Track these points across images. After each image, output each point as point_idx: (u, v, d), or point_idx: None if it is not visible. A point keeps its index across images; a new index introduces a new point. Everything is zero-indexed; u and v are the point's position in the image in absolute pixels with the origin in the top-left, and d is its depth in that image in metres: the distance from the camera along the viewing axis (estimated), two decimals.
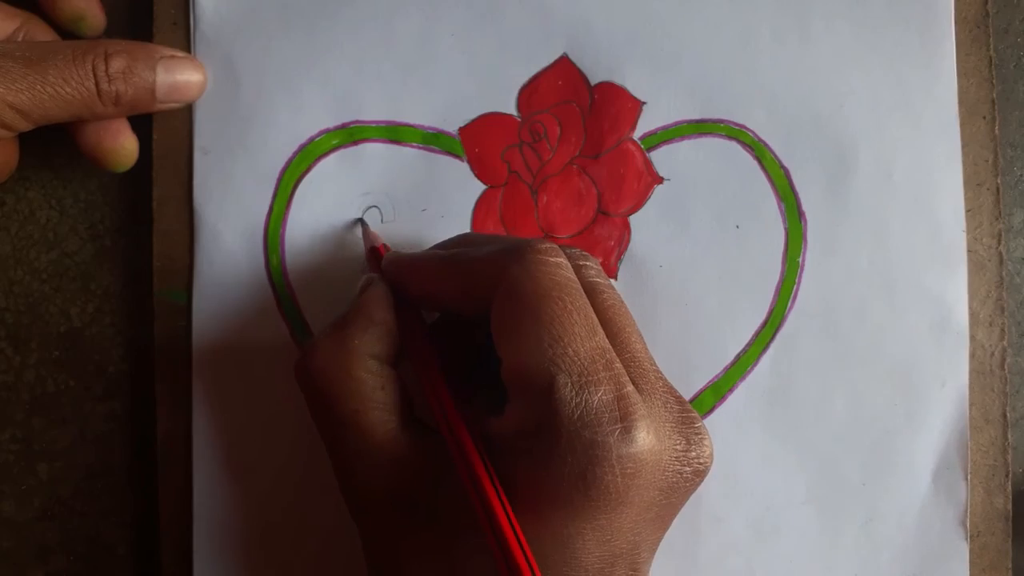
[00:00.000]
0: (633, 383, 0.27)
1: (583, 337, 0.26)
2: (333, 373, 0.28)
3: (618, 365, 0.26)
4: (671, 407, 0.28)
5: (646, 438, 0.26)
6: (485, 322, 0.28)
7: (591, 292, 0.28)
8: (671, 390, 0.28)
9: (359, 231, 0.34)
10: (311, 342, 0.29)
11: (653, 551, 0.28)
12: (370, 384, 0.28)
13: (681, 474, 0.27)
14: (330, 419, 0.29)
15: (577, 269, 0.28)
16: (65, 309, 0.35)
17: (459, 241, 0.31)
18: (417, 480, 0.28)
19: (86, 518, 0.35)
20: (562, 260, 0.27)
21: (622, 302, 0.29)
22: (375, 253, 0.32)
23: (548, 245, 0.27)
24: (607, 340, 0.27)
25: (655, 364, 0.29)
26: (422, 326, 0.30)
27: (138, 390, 0.35)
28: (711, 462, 0.28)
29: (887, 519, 0.35)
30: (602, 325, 0.27)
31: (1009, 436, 0.35)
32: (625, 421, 0.25)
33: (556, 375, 0.25)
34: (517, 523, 0.25)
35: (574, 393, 0.25)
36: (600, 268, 0.30)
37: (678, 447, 0.27)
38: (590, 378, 0.26)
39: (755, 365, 0.35)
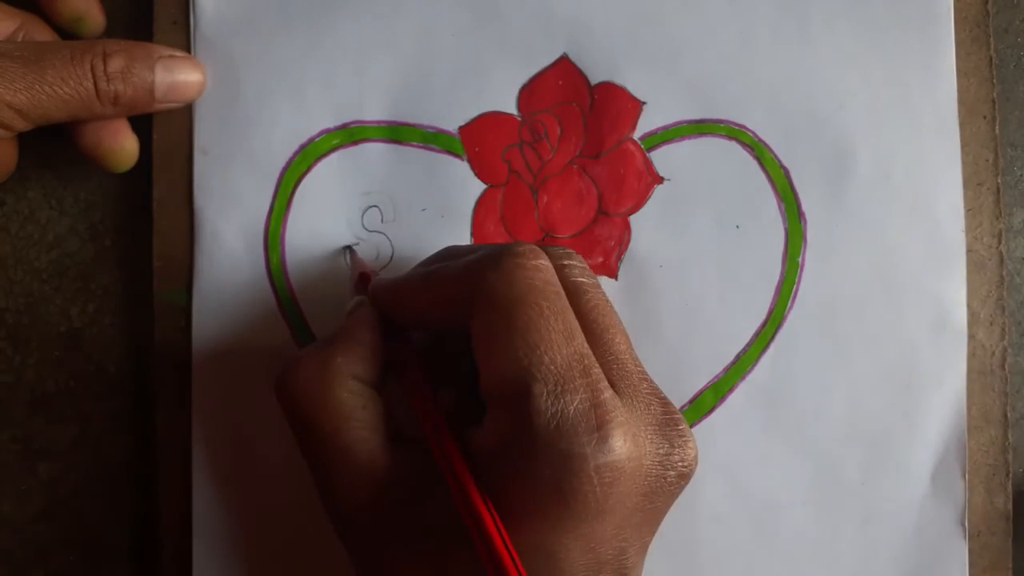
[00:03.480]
0: (614, 385, 0.27)
1: (559, 344, 0.26)
2: (313, 391, 0.28)
3: (596, 370, 0.26)
4: (654, 409, 0.27)
5: (623, 446, 0.25)
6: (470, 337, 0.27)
7: (574, 293, 0.28)
8: (655, 391, 0.28)
9: (347, 257, 0.34)
10: (291, 360, 0.29)
11: (642, 554, 0.28)
12: (351, 403, 0.28)
13: (665, 478, 0.27)
14: (311, 438, 0.28)
15: (560, 269, 0.28)
16: (65, 309, 0.35)
17: (442, 255, 0.30)
18: (401, 498, 0.27)
19: (86, 518, 0.35)
20: (541, 263, 0.27)
21: (607, 301, 0.28)
22: (363, 279, 0.32)
23: (526, 248, 0.27)
24: (586, 344, 0.26)
25: (640, 364, 0.28)
26: (410, 347, 0.29)
27: (138, 390, 0.35)
28: (696, 464, 0.28)
29: (886, 519, 0.35)
30: (585, 326, 0.27)
31: (1009, 436, 0.35)
32: (602, 430, 0.25)
33: (531, 384, 0.25)
34: (509, 539, 0.25)
35: (550, 403, 0.25)
36: (585, 266, 0.29)
37: (660, 451, 0.27)
38: (566, 386, 0.25)
39: (755, 365, 0.35)
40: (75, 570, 0.35)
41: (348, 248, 0.34)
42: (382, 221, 0.34)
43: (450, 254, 0.30)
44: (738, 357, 0.35)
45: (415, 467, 0.28)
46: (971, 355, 0.35)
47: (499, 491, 0.26)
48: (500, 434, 0.26)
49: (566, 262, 0.28)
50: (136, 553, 0.35)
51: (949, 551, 0.35)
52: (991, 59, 0.35)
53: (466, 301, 0.27)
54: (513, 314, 0.26)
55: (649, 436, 0.27)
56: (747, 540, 0.35)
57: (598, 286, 0.29)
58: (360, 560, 0.28)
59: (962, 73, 0.35)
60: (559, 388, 0.25)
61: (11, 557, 0.35)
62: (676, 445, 0.27)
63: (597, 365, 0.26)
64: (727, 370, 0.35)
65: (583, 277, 0.28)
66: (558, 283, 0.27)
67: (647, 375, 0.28)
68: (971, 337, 0.35)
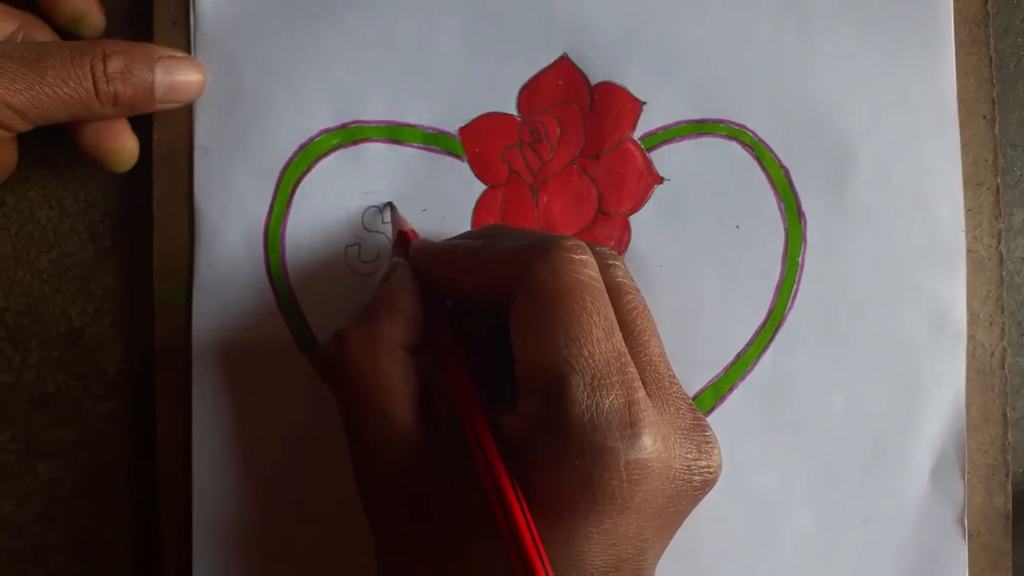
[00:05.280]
0: (647, 388, 0.27)
1: (600, 339, 0.26)
2: (362, 363, 0.28)
3: (632, 369, 0.26)
4: (683, 414, 0.28)
5: (654, 445, 0.26)
6: (504, 314, 0.27)
7: (615, 293, 0.28)
8: (684, 397, 0.28)
9: (387, 215, 0.34)
10: (338, 331, 0.29)
11: (658, 556, 0.28)
12: (395, 374, 0.28)
13: (690, 482, 0.27)
14: (355, 410, 0.28)
15: (604, 268, 0.28)
16: (65, 309, 0.35)
17: (488, 232, 0.31)
18: (430, 477, 0.27)
19: (86, 518, 0.35)
20: (588, 259, 0.27)
21: (646, 306, 0.29)
22: (403, 238, 0.32)
23: (575, 243, 0.27)
24: (624, 343, 0.27)
25: (671, 370, 0.29)
26: (445, 316, 0.30)
27: (138, 390, 0.35)
28: (720, 471, 0.28)
29: (886, 518, 0.35)
30: (622, 327, 0.27)
31: (1009, 436, 0.35)
32: (634, 427, 0.25)
33: (569, 376, 0.25)
34: (535, 526, 0.25)
35: (586, 395, 0.25)
36: (628, 270, 0.29)
37: (688, 455, 0.27)
38: (603, 381, 0.25)
39: (755, 365, 0.35)
40: (75, 570, 0.35)
41: (389, 204, 0.34)
42: (382, 221, 0.34)
43: (496, 233, 0.30)
44: (738, 357, 0.35)
45: (445, 446, 0.28)
46: (971, 355, 0.35)
47: (526, 477, 0.26)
48: (532, 420, 0.26)
49: (611, 262, 0.29)
50: (136, 553, 0.35)
51: (948, 550, 0.35)
52: (991, 59, 0.35)
53: (510, 285, 0.27)
54: (557, 305, 0.26)
55: (678, 440, 0.27)
56: (747, 540, 0.35)
57: (638, 291, 0.29)
58: (384, 538, 0.29)
59: (962, 73, 0.35)
60: (596, 382, 0.25)
61: (11, 557, 0.35)
62: (703, 451, 0.27)
63: (633, 365, 0.27)
64: (727, 370, 0.35)
65: (626, 279, 0.29)
66: (602, 281, 0.27)
67: (678, 381, 0.29)
68: (971, 337, 0.35)
